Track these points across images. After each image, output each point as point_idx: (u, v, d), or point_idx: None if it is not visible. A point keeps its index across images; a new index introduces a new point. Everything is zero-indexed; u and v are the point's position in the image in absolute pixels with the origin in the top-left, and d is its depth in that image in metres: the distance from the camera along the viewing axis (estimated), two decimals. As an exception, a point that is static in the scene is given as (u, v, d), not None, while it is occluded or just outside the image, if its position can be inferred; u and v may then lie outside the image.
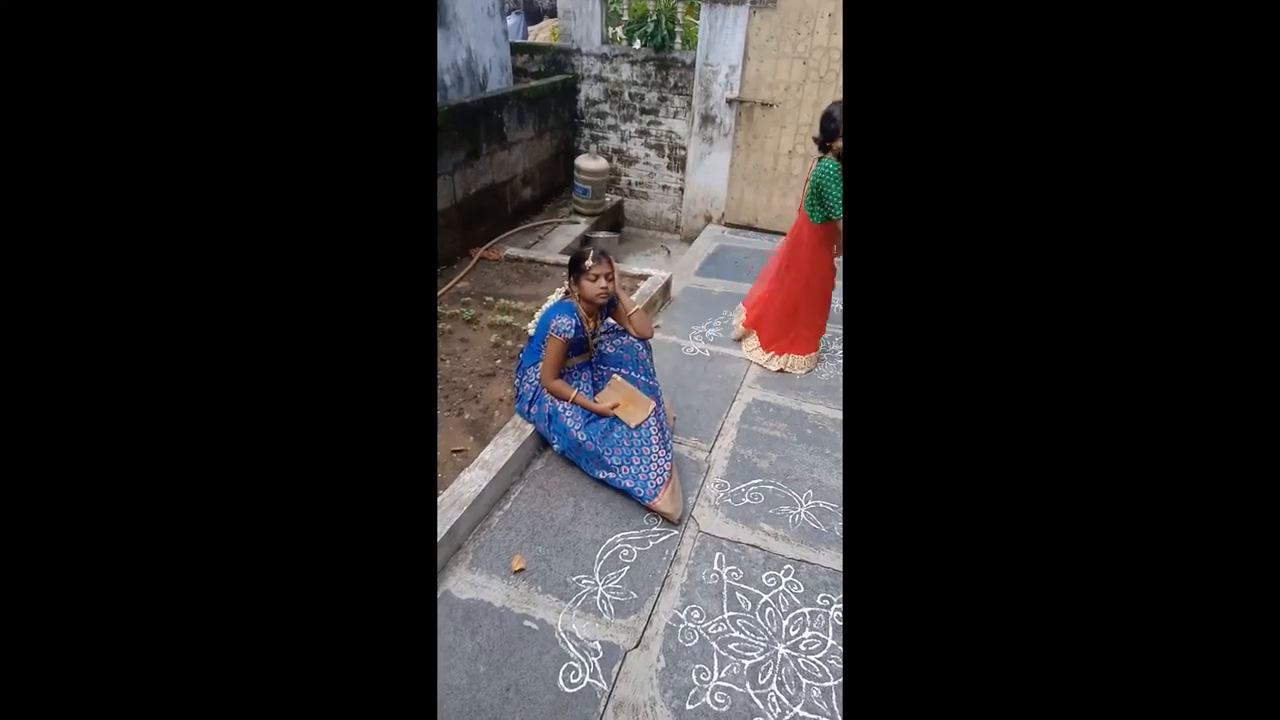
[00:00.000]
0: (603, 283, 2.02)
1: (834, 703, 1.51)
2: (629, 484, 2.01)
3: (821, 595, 1.78)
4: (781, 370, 2.83)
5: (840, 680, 1.56)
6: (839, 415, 2.50)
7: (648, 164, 4.91)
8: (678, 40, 4.52)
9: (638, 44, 4.65)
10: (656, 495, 1.98)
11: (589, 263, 2.00)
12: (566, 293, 2.17)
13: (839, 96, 4.05)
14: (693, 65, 4.37)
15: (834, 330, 3.03)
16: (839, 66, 3.96)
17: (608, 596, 1.74)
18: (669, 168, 4.85)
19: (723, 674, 1.56)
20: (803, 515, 2.06)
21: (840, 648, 1.64)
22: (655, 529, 1.97)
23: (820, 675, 1.56)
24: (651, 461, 2.01)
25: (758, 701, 1.50)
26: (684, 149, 4.70)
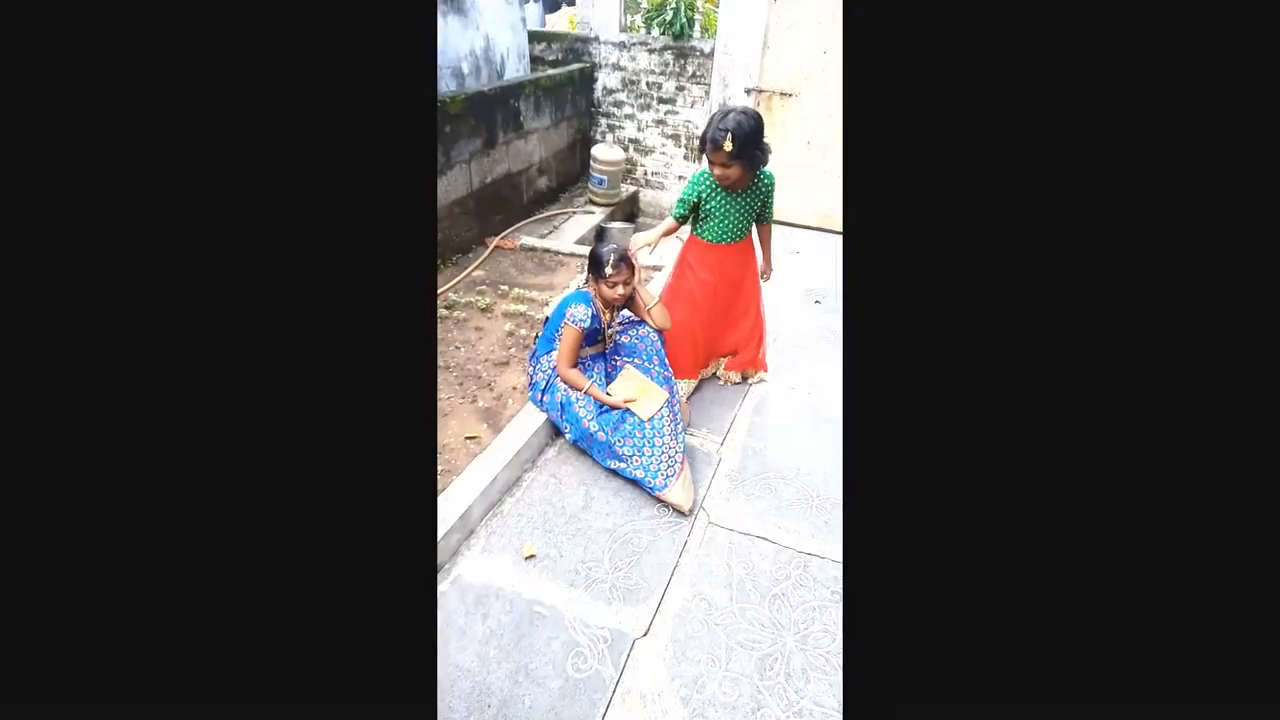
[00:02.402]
0: (620, 289, 2.03)
1: (840, 696, 1.51)
2: (640, 474, 2.02)
3: (831, 589, 1.78)
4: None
5: (848, 674, 1.56)
6: (852, 410, 2.49)
7: (664, 154, 4.88)
8: (696, 28, 4.48)
9: (656, 32, 4.60)
10: (667, 486, 1.99)
11: (609, 269, 1.99)
12: (586, 281, 2.17)
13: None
14: (711, 54, 4.33)
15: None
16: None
17: (618, 585, 1.76)
18: (685, 158, 4.81)
19: (730, 664, 1.57)
20: (814, 509, 2.05)
21: (849, 642, 1.64)
22: (666, 519, 1.98)
23: (828, 669, 1.57)
24: (663, 452, 2.02)
25: (765, 693, 1.51)
26: (701, 139, 4.67)
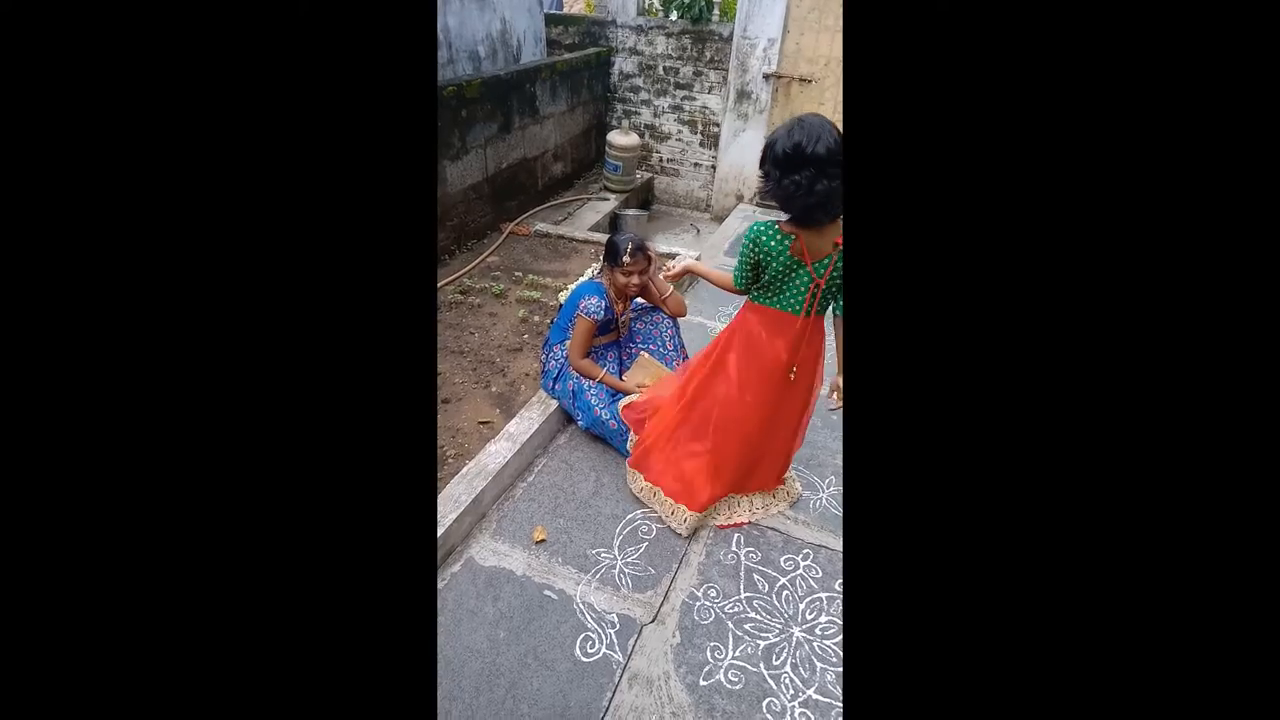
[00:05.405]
0: (635, 279, 2.02)
1: (847, 686, 1.52)
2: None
3: (839, 581, 1.78)
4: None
5: (855, 665, 1.57)
6: (866, 402, 2.47)
7: (680, 140, 4.83)
8: (715, 12, 4.41)
9: (674, 16, 4.54)
10: None
11: (626, 258, 1.98)
12: (600, 271, 2.17)
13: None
14: (730, 38, 4.26)
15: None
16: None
17: (626, 571, 1.77)
18: (701, 145, 4.77)
19: (737, 653, 1.58)
20: (824, 501, 2.05)
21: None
22: (675, 508, 1.99)
23: (834, 660, 1.57)
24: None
25: (771, 682, 1.52)
26: (718, 126, 4.61)
